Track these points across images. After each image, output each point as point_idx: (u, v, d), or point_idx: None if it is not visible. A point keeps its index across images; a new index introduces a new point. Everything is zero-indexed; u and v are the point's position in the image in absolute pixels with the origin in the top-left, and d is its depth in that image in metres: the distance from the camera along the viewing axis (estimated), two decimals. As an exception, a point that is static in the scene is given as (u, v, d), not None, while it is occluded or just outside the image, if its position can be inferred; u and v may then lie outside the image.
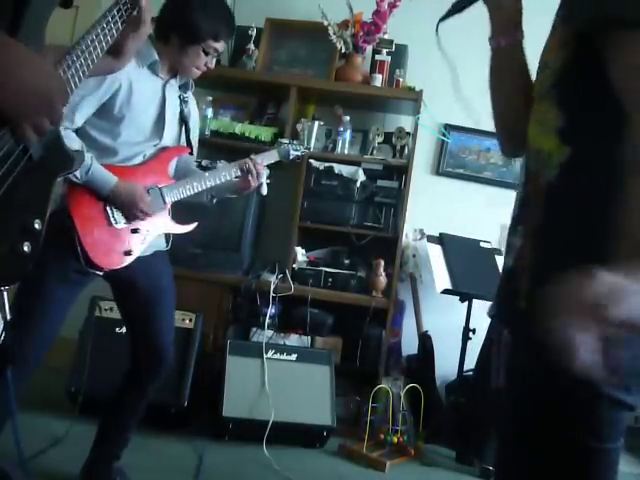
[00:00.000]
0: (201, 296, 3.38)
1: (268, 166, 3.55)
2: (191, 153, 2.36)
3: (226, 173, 2.29)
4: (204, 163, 3.55)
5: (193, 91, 2.36)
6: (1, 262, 1.01)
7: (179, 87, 2.28)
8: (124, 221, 2.08)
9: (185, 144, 2.31)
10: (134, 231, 2.11)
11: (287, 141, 2.76)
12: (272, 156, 2.50)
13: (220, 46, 2.20)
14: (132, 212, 2.07)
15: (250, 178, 2.29)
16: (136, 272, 2.15)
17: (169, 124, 2.21)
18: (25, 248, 1.03)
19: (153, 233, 2.19)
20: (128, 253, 2.10)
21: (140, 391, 2.30)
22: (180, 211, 2.32)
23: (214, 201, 2.40)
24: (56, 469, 2.35)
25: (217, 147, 3.73)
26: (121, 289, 2.25)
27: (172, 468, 2.68)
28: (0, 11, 0.96)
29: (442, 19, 1.30)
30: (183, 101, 2.28)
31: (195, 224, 2.36)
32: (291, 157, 2.61)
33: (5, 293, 1.10)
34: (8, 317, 1.13)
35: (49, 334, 2.05)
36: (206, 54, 2.17)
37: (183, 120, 2.29)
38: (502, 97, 1.24)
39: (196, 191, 2.25)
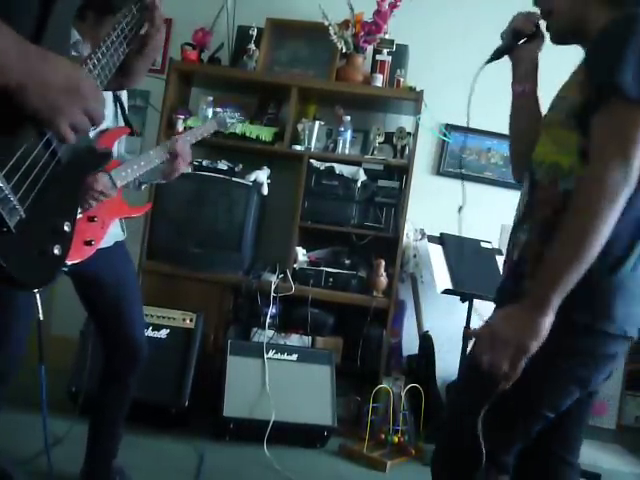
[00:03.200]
0: (202, 296, 3.39)
1: (268, 166, 3.59)
2: (131, 133, 2.27)
3: (161, 154, 2.21)
4: (205, 163, 3.56)
5: None
6: (32, 266, 1.00)
7: None
8: (79, 210, 1.97)
9: (123, 124, 2.24)
10: (90, 219, 2.05)
11: (221, 110, 2.71)
12: (211, 127, 2.45)
13: None
14: (87, 197, 1.98)
15: (180, 160, 2.20)
16: (100, 266, 2.10)
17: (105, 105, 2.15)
18: (56, 251, 1.03)
19: (110, 219, 2.14)
20: (89, 243, 2.04)
21: (121, 385, 2.29)
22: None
23: (142, 187, 2.34)
24: (56, 469, 2.34)
25: (218, 147, 3.73)
26: (87, 285, 2.20)
27: (172, 468, 2.68)
28: (26, 15, 0.97)
29: (486, 63, 1.56)
30: None
31: (149, 205, 2.30)
32: (229, 125, 2.60)
33: (38, 295, 1.10)
34: (41, 317, 1.13)
35: (22, 334, 1.99)
36: None
37: (117, 99, 2.21)
38: (520, 133, 1.55)
39: (143, 171, 2.17)
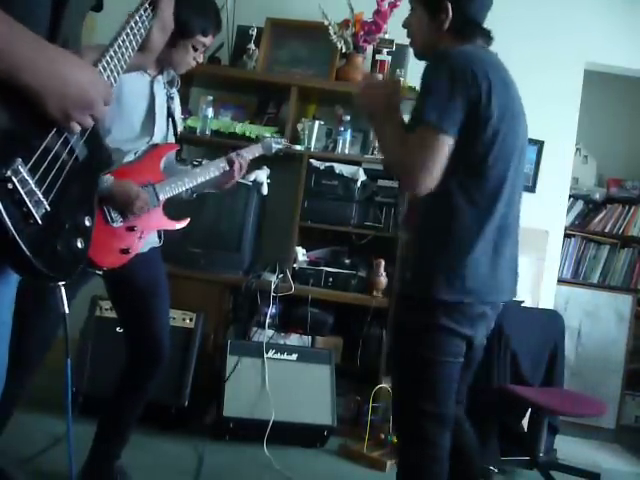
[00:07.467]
0: (202, 296, 3.38)
1: (268, 166, 3.59)
2: (180, 150, 2.39)
3: (214, 168, 2.33)
4: (204, 163, 3.55)
5: (178, 88, 2.35)
6: (58, 258, 1.04)
7: (165, 83, 2.28)
8: (121, 219, 2.09)
9: (173, 140, 2.32)
10: (130, 229, 2.12)
11: (269, 135, 2.79)
12: (256, 150, 2.52)
13: (208, 41, 2.22)
14: (129, 210, 2.07)
15: (235, 173, 2.33)
16: (134, 270, 2.16)
17: (159, 121, 2.21)
18: (79, 244, 1.09)
19: (149, 230, 2.20)
20: (126, 251, 2.10)
21: (138, 389, 2.30)
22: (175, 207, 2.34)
23: (194, 196, 2.43)
24: (56, 469, 2.35)
25: (217, 147, 3.72)
26: (119, 287, 2.26)
27: (172, 468, 2.68)
28: (38, 20, 1.00)
29: None
30: (169, 97, 2.27)
31: (188, 220, 2.36)
32: (274, 150, 2.62)
33: (63, 288, 1.13)
34: (67, 311, 1.16)
35: (50, 333, 2.05)
36: (195, 49, 2.19)
37: (170, 116, 2.29)
38: None
39: (187, 187, 2.27)
